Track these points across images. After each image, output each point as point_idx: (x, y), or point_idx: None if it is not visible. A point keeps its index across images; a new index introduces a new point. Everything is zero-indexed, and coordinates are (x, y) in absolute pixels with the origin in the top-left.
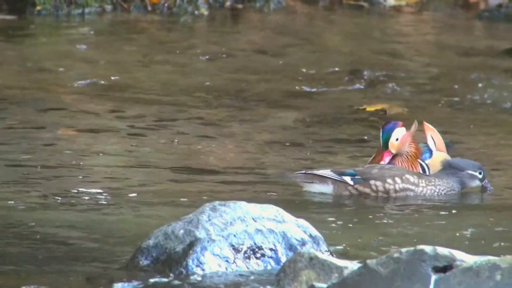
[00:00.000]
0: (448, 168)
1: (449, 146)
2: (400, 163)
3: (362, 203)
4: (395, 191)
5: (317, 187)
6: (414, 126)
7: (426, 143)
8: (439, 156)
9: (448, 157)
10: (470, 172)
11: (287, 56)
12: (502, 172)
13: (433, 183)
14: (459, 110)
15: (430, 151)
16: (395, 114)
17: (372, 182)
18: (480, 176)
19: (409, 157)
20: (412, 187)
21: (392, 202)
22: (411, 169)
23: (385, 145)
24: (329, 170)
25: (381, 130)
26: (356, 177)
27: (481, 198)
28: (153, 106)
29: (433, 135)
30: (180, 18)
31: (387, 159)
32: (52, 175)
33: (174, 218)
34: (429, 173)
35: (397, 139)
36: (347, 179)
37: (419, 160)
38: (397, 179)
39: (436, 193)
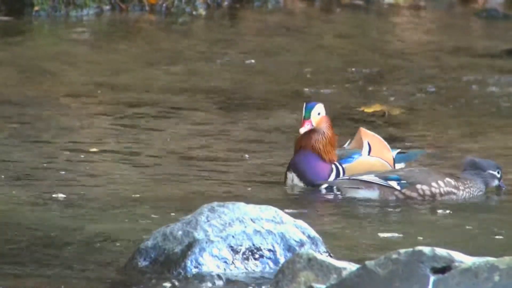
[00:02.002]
0: (472, 168)
1: (414, 155)
2: (315, 141)
3: (360, 204)
4: (441, 194)
5: (363, 193)
6: (357, 134)
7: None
8: (366, 161)
9: (382, 163)
10: (491, 172)
11: (284, 56)
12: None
13: (467, 185)
14: (457, 110)
15: (359, 156)
16: (394, 115)
17: (418, 186)
18: (499, 176)
19: (324, 138)
20: (455, 191)
21: (389, 203)
22: (324, 153)
23: (308, 116)
24: (373, 175)
25: (304, 104)
26: (402, 181)
27: (486, 198)
28: (151, 107)
29: (370, 141)
30: (178, 18)
31: (306, 126)
32: (49, 176)
33: (172, 219)
34: (343, 175)
35: (318, 113)
36: (393, 184)
37: (337, 163)
38: (441, 183)
39: (471, 195)
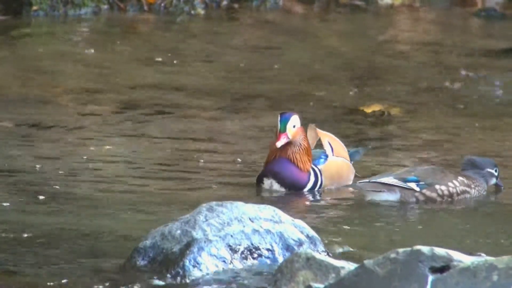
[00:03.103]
0: (471, 167)
1: (358, 153)
2: (292, 153)
3: (358, 203)
4: (457, 194)
5: (385, 196)
6: (309, 131)
7: (323, 149)
8: (335, 161)
9: (347, 163)
10: (489, 170)
11: (283, 56)
12: (503, 171)
13: (476, 184)
14: (456, 109)
15: (326, 156)
16: (393, 115)
17: (437, 186)
18: (496, 174)
19: (301, 150)
20: (469, 189)
21: (383, 202)
22: (301, 163)
23: (283, 129)
24: (391, 177)
25: (279, 116)
26: (421, 182)
27: (483, 197)
28: (149, 106)
29: (330, 141)
30: (176, 17)
31: (283, 140)
32: (46, 176)
33: (171, 218)
34: (322, 179)
35: (294, 126)
36: (413, 185)
37: (312, 165)
38: (456, 182)
39: (479, 194)
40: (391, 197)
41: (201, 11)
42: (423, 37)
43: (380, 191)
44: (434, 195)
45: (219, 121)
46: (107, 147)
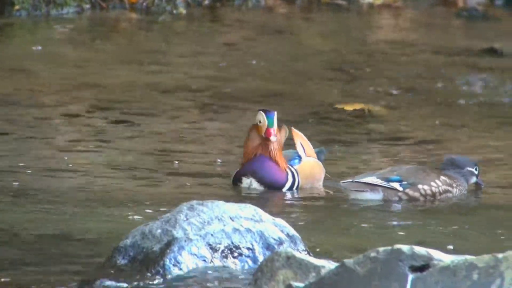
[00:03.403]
0: (452, 166)
1: (322, 153)
2: (273, 150)
3: (338, 202)
4: (440, 193)
5: (368, 195)
6: (284, 131)
7: (296, 150)
8: (308, 162)
9: (318, 163)
10: (469, 169)
11: (265, 55)
12: (484, 169)
13: (458, 184)
14: (438, 109)
15: (300, 157)
16: (374, 113)
17: (420, 186)
18: (476, 173)
19: (279, 147)
20: (451, 189)
21: (364, 201)
22: (280, 161)
23: (272, 124)
24: (374, 177)
25: (264, 113)
26: (403, 182)
27: (464, 196)
28: (131, 105)
29: (302, 142)
30: (158, 17)
31: (273, 137)
32: (28, 175)
33: (151, 217)
34: (298, 179)
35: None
36: (396, 185)
37: (288, 166)
38: (438, 182)
39: (461, 193)
40: (374, 196)
41: (183, 10)
42: (404, 36)
43: (363, 191)
44: (417, 194)
45: (201, 121)
46: (88, 146)
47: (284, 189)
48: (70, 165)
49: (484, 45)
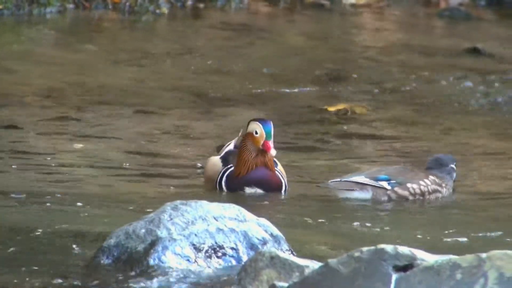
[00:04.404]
0: (438, 165)
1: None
2: (269, 161)
3: (325, 202)
4: (429, 193)
5: (356, 195)
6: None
7: None
8: (279, 164)
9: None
10: (452, 165)
11: (248, 56)
12: (465, 169)
13: (445, 183)
14: (420, 109)
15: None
16: (357, 113)
17: (409, 185)
18: (455, 169)
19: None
20: (440, 189)
21: (350, 201)
22: (273, 169)
23: (270, 137)
24: (363, 176)
25: (261, 123)
26: (391, 181)
27: (449, 196)
28: (114, 105)
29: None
30: (141, 17)
31: (273, 151)
32: (12, 174)
33: (135, 217)
34: (285, 180)
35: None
36: (384, 184)
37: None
38: (427, 181)
39: (449, 192)
40: (363, 195)
41: (166, 10)
42: (387, 37)
43: (352, 190)
44: (406, 193)
45: (184, 121)
46: (72, 146)
47: (282, 191)
48: (53, 164)
49: (467, 45)
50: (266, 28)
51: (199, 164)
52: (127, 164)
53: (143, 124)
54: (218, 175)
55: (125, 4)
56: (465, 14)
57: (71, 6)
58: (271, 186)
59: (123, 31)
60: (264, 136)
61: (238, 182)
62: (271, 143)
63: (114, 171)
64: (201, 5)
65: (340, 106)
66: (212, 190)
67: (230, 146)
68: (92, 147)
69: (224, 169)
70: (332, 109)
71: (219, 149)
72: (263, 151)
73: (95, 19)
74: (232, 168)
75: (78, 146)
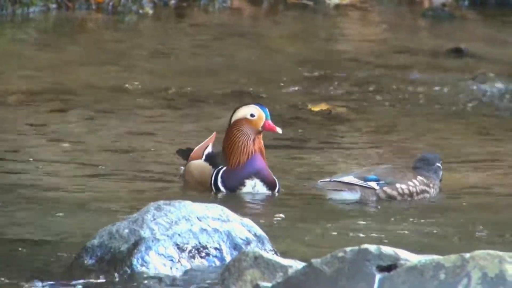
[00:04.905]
0: (425, 164)
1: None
2: (262, 146)
3: (310, 202)
4: (417, 193)
5: (345, 195)
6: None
7: None
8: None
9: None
10: (438, 164)
11: (231, 56)
12: (448, 169)
13: (433, 183)
14: (402, 109)
15: None
16: (340, 114)
17: (398, 185)
18: (441, 167)
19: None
20: (428, 189)
21: (333, 201)
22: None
23: (268, 117)
24: (351, 176)
25: (257, 105)
26: (380, 181)
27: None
28: (97, 106)
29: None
30: (125, 17)
31: (279, 129)
32: None
33: (118, 217)
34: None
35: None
36: (373, 184)
37: None
38: (416, 182)
39: (436, 192)
40: (351, 196)
41: (149, 10)
42: (371, 37)
43: (341, 190)
44: (394, 193)
45: (168, 121)
46: (55, 146)
47: (276, 190)
48: (35, 166)
49: (450, 45)
50: (249, 28)
51: (182, 167)
52: (109, 164)
53: (124, 124)
54: (211, 177)
55: (108, 4)
56: (448, 14)
57: (54, 6)
58: (269, 179)
59: (106, 31)
60: (264, 116)
61: (237, 176)
62: (271, 122)
63: (96, 171)
64: (185, 5)
65: (323, 106)
66: (195, 190)
67: (209, 149)
68: (73, 148)
69: (215, 170)
70: (315, 109)
71: (184, 153)
72: (259, 135)
73: (78, 19)
74: (225, 168)
75: (60, 146)
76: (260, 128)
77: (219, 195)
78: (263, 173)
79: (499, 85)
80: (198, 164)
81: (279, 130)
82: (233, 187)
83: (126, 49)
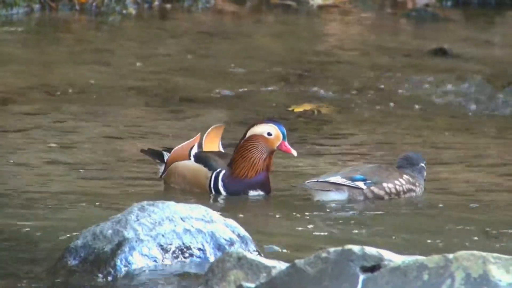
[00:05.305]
0: (409, 163)
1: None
2: (271, 163)
3: (295, 203)
4: (404, 192)
5: (333, 195)
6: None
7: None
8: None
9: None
10: (422, 164)
11: (215, 56)
12: (433, 169)
13: (419, 182)
14: (386, 109)
15: None
16: (323, 114)
17: (385, 184)
18: (425, 167)
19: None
20: (414, 188)
21: (316, 202)
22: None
23: (285, 138)
24: (339, 176)
25: (275, 125)
26: (367, 181)
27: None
28: (80, 106)
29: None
30: (108, 17)
31: (294, 152)
32: None
33: (102, 218)
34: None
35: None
36: (361, 184)
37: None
38: (402, 181)
39: (422, 191)
40: (339, 196)
41: (132, 10)
42: (354, 37)
43: (328, 191)
44: (382, 192)
45: (151, 121)
46: (38, 146)
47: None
48: (18, 163)
49: (434, 46)
50: (233, 28)
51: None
52: (93, 164)
53: (109, 124)
54: (210, 180)
55: (91, 5)
56: (432, 14)
57: (37, 6)
58: (269, 190)
59: (90, 31)
60: (281, 137)
61: (242, 185)
62: (288, 144)
63: (80, 171)
64: (168, 6)
65: (307, 107)
66: (180, 191)
67: (195, 150)
68: (57, 147)
69: (214, 173)
70: (298, 109)
71: (153, 153)
72: (271, 154)
73: (61, 20)
74: (224, 172)
75: (43, 145)
76: (275, 148)
77: (210, 195)
78: (267, 187)
79: (482, 84)
80: (190, 165)
81: (294, 152)
82: (236, 193)
83: (109, 49)
